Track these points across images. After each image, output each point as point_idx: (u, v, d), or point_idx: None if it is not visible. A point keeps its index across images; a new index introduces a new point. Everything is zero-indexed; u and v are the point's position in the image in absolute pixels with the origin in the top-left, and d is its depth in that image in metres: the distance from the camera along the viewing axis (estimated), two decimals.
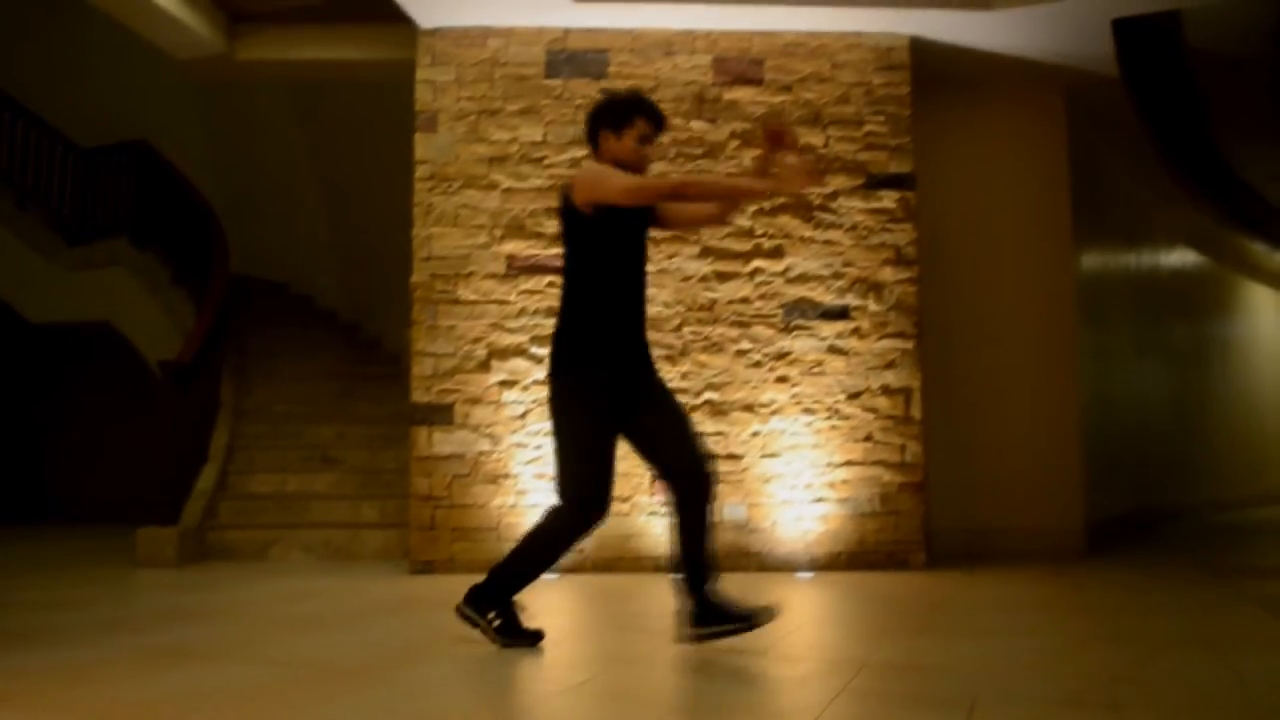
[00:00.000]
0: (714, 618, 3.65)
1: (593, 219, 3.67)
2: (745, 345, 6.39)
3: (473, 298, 6.38)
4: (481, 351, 6.35)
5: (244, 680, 3.35)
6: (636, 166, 3.78)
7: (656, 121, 3.81)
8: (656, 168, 6.47)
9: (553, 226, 6.41)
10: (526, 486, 6.25)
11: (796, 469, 6.32)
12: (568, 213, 3.74)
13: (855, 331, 6.42)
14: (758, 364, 6.38)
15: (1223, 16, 7.85)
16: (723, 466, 6.31)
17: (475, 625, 3.76)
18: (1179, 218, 11.01)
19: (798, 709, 2.97)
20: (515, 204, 6.44)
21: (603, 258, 3.70)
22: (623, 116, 3.78)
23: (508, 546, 6.16)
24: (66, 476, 10.87)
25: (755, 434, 6.34)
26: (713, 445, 6.31)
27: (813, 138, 6.50)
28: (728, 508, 6.25)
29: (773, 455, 6.33)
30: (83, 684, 3.30)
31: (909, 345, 6.43)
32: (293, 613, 4.88)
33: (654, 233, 6.33)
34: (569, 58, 6.53)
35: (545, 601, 5.32)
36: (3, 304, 9.84)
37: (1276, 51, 8.61)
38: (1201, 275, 12.50)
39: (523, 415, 6.30)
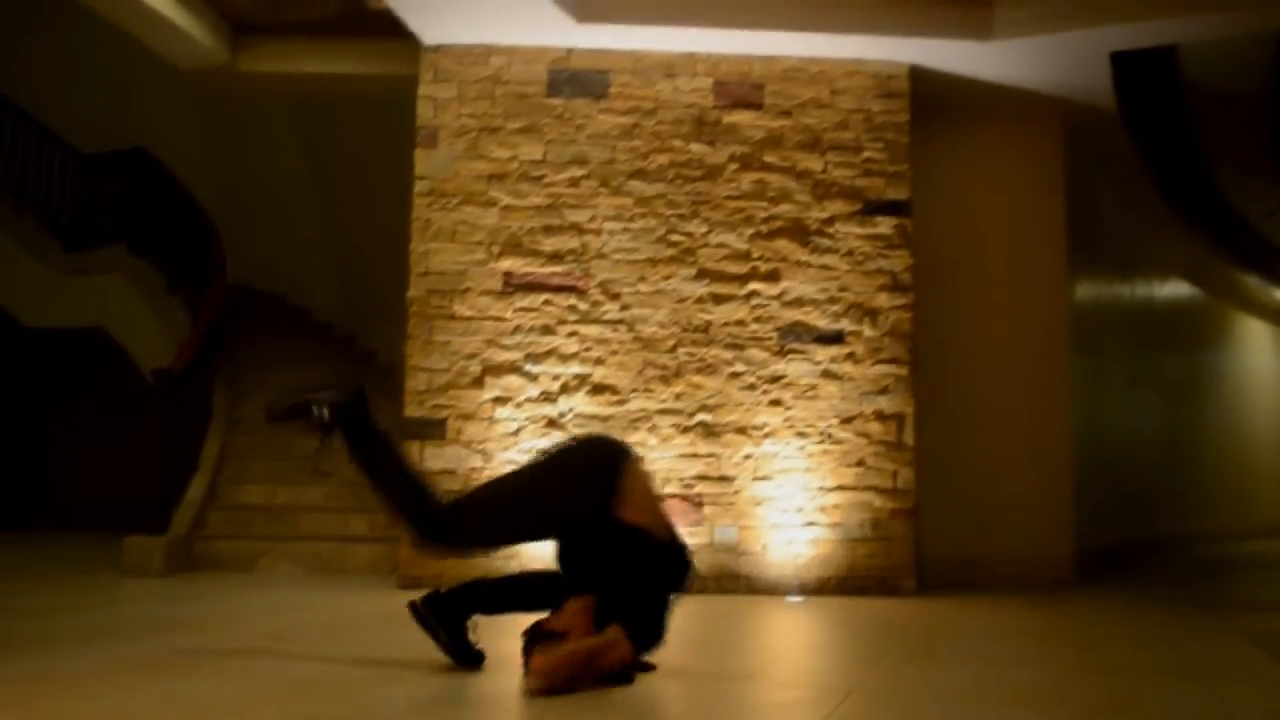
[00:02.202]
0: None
1: None
2: (740, 368, 6.40)
3: (468, 314, 6.39)
4: (476, 367, 6.35)
5: (229, 692, 3.34)
6: None
7: None
8: (656, 188, 6.50)
9: (550, 244, 6.43)
10: None
11: (788, 492, 6.32)
12: None
13: (849, 356, 6.43)
14: (751, 386, 6.39)
15: (1220, 51, 7.91)
16: (714, 489, 6.31)
17: None
18: (1173, 249, 11.06)
19: None
20: (513, 221, 6.45)
21: None
22: None
23: (495, 565, 6.26)
24: (57, 483, 10.82)
25: (748, 456, 6.34)
26: (705, 467, 6.32)
27: (811, 163, 6.54)
28: (719, 530, 6.25)
29: (764, 478, 6.33)
30: (71, 693, 3.29)
31: (903, 371, 6.44)
32: (280, 625, 4.87)
33: (653, 253, 6.42)
34: (571, 77, 6.56)
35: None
36: None
37: (1273, 87, 8.68)
38: (1195, 307, 12.55)
39: (515, 432, 6.30)
